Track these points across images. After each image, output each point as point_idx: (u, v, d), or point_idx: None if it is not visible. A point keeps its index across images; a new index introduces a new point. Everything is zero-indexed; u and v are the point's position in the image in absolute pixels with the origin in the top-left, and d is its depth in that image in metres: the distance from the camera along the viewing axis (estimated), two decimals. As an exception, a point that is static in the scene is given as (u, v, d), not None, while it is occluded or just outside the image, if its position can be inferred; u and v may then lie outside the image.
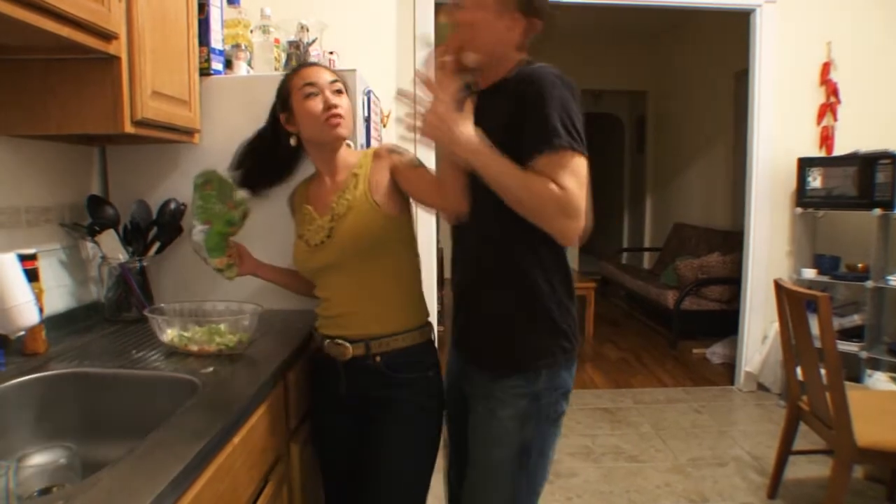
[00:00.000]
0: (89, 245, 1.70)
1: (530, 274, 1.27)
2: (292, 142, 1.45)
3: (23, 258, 1.32)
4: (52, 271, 1.59)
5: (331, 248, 1.39)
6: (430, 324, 1.48)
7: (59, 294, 1.62)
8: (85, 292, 1.73)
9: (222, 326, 1.41)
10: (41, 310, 1.34)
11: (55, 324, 1.52)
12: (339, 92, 1.41)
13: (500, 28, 1.24)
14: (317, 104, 1.38)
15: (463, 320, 1.42)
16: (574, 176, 1.14)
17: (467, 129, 1.19)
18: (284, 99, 1.44)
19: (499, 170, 1.16)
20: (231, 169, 1.54)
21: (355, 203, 1.39)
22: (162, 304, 1.55)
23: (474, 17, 1.24)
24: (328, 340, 1.43)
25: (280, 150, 1.48)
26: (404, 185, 1.39)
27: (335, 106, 1.38)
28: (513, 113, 1.20)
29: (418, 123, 1.21)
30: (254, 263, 1.63)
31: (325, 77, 1.41)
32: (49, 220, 1.61)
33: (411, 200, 1.43)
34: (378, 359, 1.40)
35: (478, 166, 1.18)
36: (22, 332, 1.30)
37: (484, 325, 1.36)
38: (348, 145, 1.50)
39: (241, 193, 1.54)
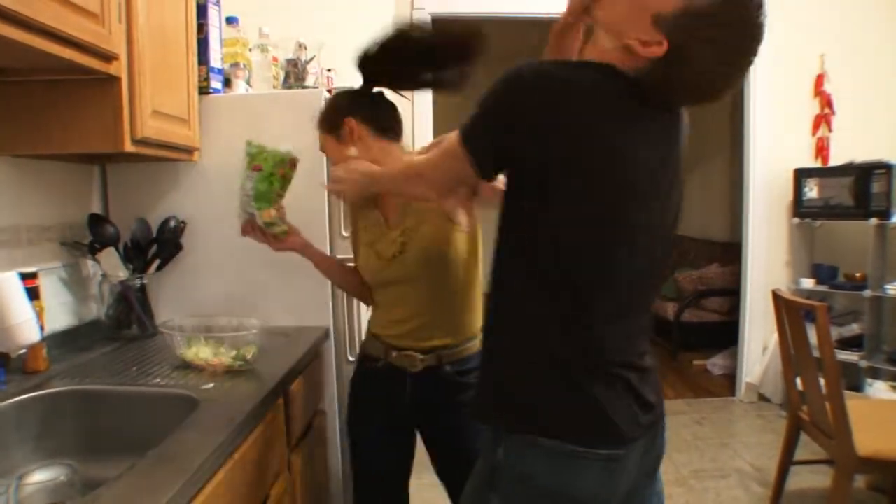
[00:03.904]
0: (90, 263, 1.71)
1: None
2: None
3: (24, 276, 1.33)
4: (52, 289, 1.60)
5: (404, 262, 1.40)
6: None
7: (59, 312, 1.62)
8: (85, 310, 1.74)
9: (235, 342, 1.43)
10: (42, 328, 1.35)
11: (56, 342, 1.52)
12: None
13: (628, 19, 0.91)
14: None
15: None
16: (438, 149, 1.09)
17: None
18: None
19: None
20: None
21: (426, 215, 1.40)
22: (174, 319, 1.56)
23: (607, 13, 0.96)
24: (396, 352, 1.44)
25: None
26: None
27: None
28: None
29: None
30: (303, 240, 1.55)
31: None
32: (50, 238, 1.62)
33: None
34: (448, 368, 1.43)
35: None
36: (23, 351, 1.30)
37: None
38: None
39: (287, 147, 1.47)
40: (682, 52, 0.88)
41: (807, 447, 2.57)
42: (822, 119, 3.74)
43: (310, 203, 1.79)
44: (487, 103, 0.95)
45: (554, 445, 0.95)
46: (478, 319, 1.48)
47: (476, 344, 1.46)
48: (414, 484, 1.59)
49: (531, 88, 0.91)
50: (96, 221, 1.70)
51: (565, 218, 0.94)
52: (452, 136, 1.01)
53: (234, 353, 1.40)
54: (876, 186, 3.29)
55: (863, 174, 3.35)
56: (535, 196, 0.94)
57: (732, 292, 4.36)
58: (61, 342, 1.56)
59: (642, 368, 1.03)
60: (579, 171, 0.92)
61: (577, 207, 0.93)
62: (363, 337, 1.79)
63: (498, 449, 0.99)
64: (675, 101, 1.00)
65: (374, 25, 3.02)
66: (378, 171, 1.28)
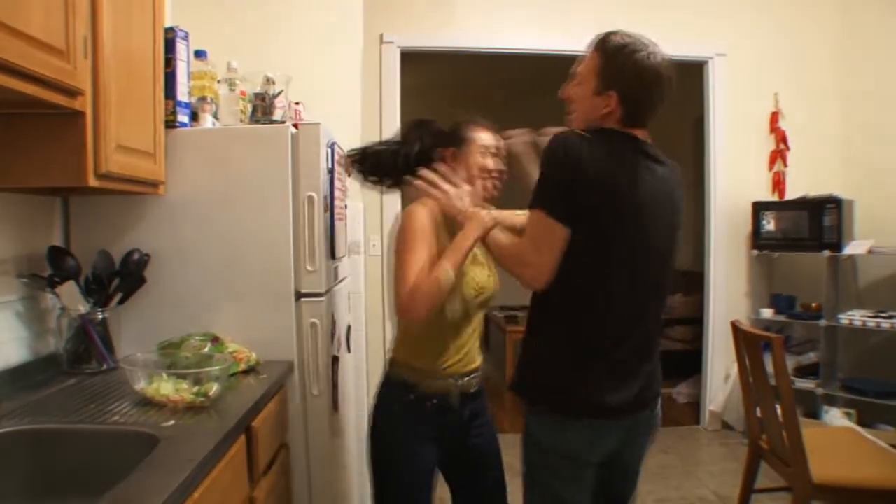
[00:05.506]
0: (49, 296, 1.68)
1: None
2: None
3: (-22, 313, 1.30)
4: (6, 323, 1.56)
5: (487, 296, 1.68)
6: None
7: (13, 347, 1.57)
8: (42, 344, 1.69)
9: (198, 377, 1.40)
10: (-5, 366, 1.31)
11: (8, 378, 1.48)
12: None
13: (592, 103, 1.40)
14: (490, 162, 1.65)
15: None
16: (528, 232, 1.39)
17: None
18: (460, 140, 1.66)
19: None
20: (354, 161, 1.78)
21: (492, 262, 1.68)
22: (138, 354, 1.54)
23: (574, 92, 1.44)
24: (462, 379, 1.65)
25: (409, 165, 1.67)
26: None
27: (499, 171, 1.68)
28: None
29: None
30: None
31: (497, 145, 1.68)
32: (6, 271, 1.58)
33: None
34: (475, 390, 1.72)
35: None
36: (-26, 392, 1.26)
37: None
38: None
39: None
40: (626, 90, 1.37)
41: (768, 475, 2.62)
42: (778, 154, 3.89)
43: (275, 235, 1.79)
44: (542, 170, 1.37)
45: (551, 414, 1.40)
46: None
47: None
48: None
49: (563, 158, 1.32)
50: (56, 254, 1.67)
51: (579, 251, 1.31)
52: (531, 221, 1.35)
53: (195, 388, 1.39)
54: (827, 220, 3.43)
55: (815, 208, 3.49)
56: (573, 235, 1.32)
57: (696, 321, 4.45)
58: (14, 378, 1.51)
59: (632, 366, 1.43)
60: (595, 214, 1.31)
61: (587, 241, 1.32)
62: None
63: (525, 417, 1.45)
64: (650, 116, 1.44)
65: (343, 59, 3.06)
66: (494, 238, 1.47)
